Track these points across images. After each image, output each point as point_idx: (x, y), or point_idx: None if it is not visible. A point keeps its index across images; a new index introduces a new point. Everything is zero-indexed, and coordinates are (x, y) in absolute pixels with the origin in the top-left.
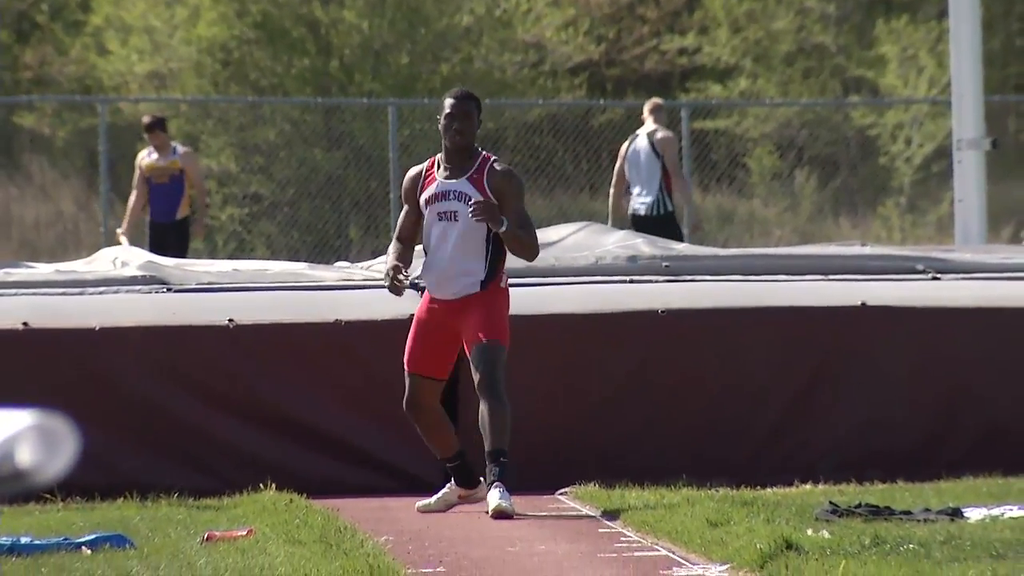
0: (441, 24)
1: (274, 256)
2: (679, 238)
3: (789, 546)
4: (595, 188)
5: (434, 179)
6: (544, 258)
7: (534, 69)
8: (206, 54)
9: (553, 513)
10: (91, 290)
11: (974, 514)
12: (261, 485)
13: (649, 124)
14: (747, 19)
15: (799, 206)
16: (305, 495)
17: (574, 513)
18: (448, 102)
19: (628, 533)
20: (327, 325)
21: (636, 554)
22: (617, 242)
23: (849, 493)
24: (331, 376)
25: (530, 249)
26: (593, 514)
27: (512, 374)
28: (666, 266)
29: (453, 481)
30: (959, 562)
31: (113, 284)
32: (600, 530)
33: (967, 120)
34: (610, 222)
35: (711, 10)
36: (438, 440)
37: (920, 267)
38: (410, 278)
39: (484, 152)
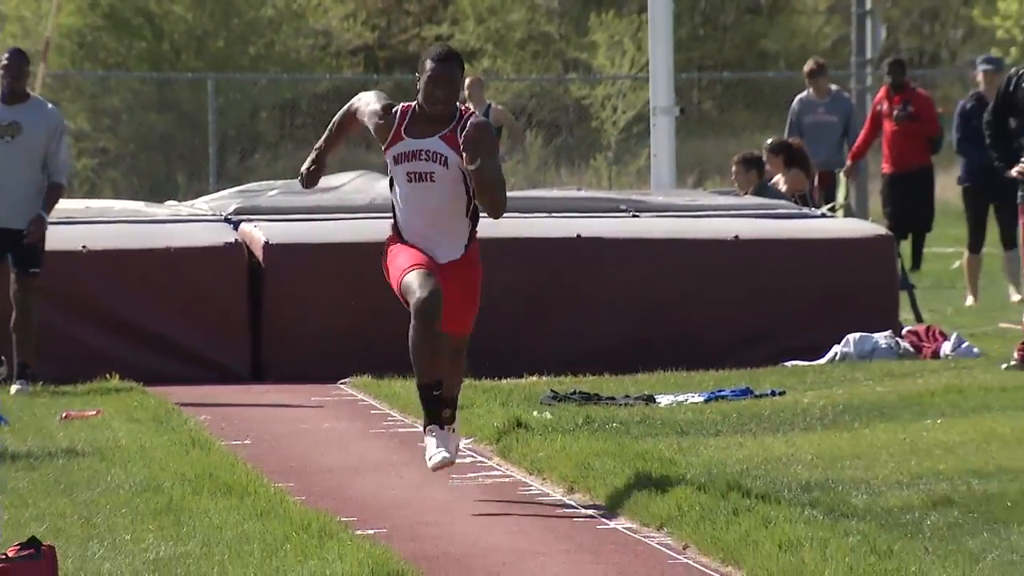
0: (250, 15)
1: (118, 197)
2: None
3: (519, 424)
4: (370, 144)
5: (402, 136)
6: (327, 199)
7: (322, 51)
8: (65, 38)
9: (335, 398)
10: None
11: (664, 400)
12: (107, 376)
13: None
14: (489, 13)
15: (529, 159)
16: (142, 384)
17: (351, 398)
18: (429, 65)
19: (394, 414)
20: (160, 251)
21: (400, 430)
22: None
23: (567, 383)
24: (163, 291)
25: (502, 204)
26: (366, 399)
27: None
28: None
29: (425, 418)
30: (652, 437)
31: None
32: (371, 412)
33: (661, 92)
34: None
35: (461, 5)
36: (437, 360)
37: (623, 207)
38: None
39: (462, 108)
